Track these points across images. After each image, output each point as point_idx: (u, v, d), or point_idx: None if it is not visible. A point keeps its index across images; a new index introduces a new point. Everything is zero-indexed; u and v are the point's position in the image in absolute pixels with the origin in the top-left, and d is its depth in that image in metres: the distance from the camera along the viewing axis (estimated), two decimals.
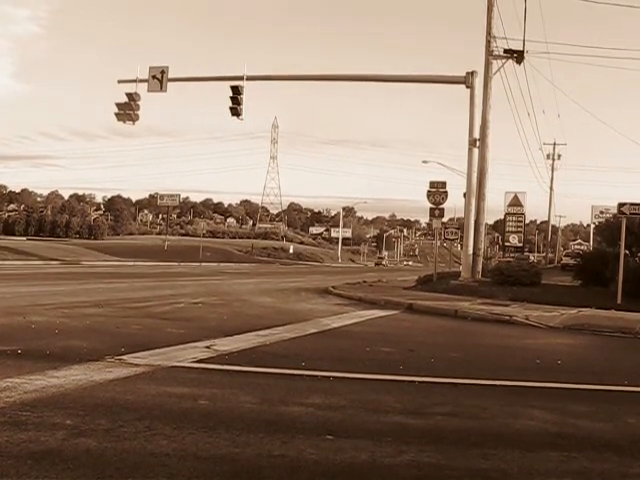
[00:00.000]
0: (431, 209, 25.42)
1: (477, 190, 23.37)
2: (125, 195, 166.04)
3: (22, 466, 3.43)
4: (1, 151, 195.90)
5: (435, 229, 27.60)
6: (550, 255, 70.96)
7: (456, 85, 23.55)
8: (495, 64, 23.26)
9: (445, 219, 31.08)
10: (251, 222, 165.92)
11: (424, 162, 44.63)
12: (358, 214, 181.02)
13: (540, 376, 6.84)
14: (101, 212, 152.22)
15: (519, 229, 47.52)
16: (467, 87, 22.85)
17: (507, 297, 16.88)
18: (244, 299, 16.00)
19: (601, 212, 55.79)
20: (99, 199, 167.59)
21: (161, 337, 8.40)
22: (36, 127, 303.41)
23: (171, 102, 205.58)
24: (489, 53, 23.09)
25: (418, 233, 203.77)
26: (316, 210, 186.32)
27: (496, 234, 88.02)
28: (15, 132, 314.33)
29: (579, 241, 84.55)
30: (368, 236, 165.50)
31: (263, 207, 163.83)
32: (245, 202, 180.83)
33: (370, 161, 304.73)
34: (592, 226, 61.40)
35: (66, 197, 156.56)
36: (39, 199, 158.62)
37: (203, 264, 50.85)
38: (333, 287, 20.96)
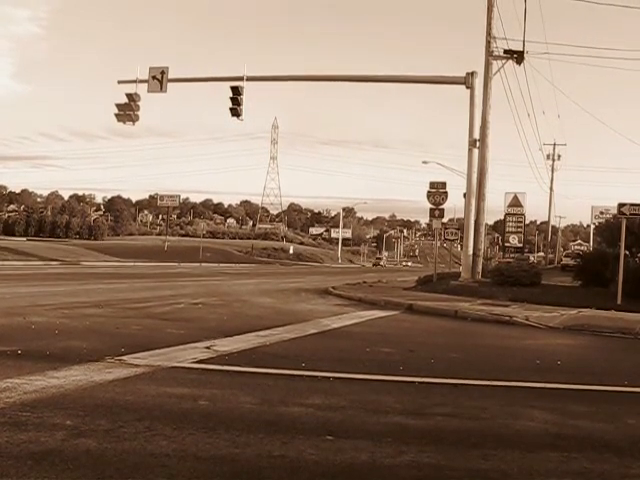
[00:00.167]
0: (431, 209, 25.42)
1: (477, 190, 23.37)
2: (125, 196, 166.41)
3: (22, 466, 3.43)
4: (1, 151, 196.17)
5: (435, 229, 27.60)
6: (550, 256, 70.95)
7: (456, 85, 23.56)
8: (495, 64, 23.27)
9: (445, 219, 31.05)
10: (251, 223, 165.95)
11: (424, 162, 44.70)
12: (358, 215, 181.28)
13: (540, 376, 6.84)
14: (101, 213, 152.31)
15: (519, 229, 47.53)
16: (467, 87, 22.85)
17: (507, 298, 16.89)
18: (244, 300, 16.00)
19: (601, 212, 55.81)
20: (99, 199, 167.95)
21: (161, 337, 8.40)
22: (36, 127, 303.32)
23: (171, 102, 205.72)
24: (489, 53, 23.10)
25: (418, 233, 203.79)
26: (316, 210, 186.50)
27: (496, 234, 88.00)
28: (15, 132, 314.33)
29: (579, 241, 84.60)
30: (368, 237, 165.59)
31: (263, 207, 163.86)
32: (245, 203, 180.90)
33: (370, 161, 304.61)
34: (592, 227, 61.43)
35: (66, 198, 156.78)
36: (39, 199, 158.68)
37: (203, 265, 50.86)
38: (333, 288, 20.96)
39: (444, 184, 25.24)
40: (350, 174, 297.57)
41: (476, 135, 22.95)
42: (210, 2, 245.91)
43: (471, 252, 23.26)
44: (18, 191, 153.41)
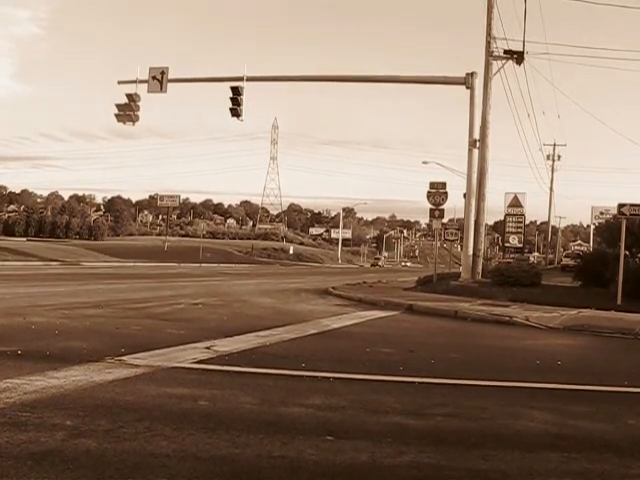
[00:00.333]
0: (431, 210, 25.42)
1: (477, 191, 23.37)
2: (125, 196, 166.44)
3: (22, 467, 3.43)
4: (1, 152, 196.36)
5: (435, 230, 27.60)
6: (550, 256, 70.91)
7: (456, 86, 23.56)
8: (495, 65, 23.26)
9: (445, 220, 31.06)
10: (251, 223, 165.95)
11: (424, 163, 44.71)
12: (358, 215, 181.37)
13: (540, 377, 6.84)
14: (101, 213, 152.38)
15: (519, 230, 47.52)
16: (467, 88, 22.85)
17: (507, 298, 16.88)
18: (244, 300, 16.00)
19: (601, 213, 55.81)
20: (99, 200, 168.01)
21: (161, 338, 8.40)
22: (36, 128, 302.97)
23: (171, 103, 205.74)
24: (489, 54, 23.10)
25: (418, 234, 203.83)
26: (316, 211, 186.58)
27: (496, 235, 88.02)
28: (15, 133, 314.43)
29: (579, 242, 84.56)
30: (368, 237, 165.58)
31: (263, 208, 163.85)
32: (245, 203, 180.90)
33: (370, 162, 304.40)
34: (592, 227, 61.44)
35: (66, 198, 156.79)
36: (39, 200, 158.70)
37: (203, 265, 50.86)
38: (333, 288, 20.96)
39: (444, 184, 25.24)
40: (350, 174, 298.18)
41: (476, 135, 22.95)
42: (210, 2, 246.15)
43: (471, 252, 23.26)
44: (18, 191, 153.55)
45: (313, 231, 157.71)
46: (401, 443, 4.18)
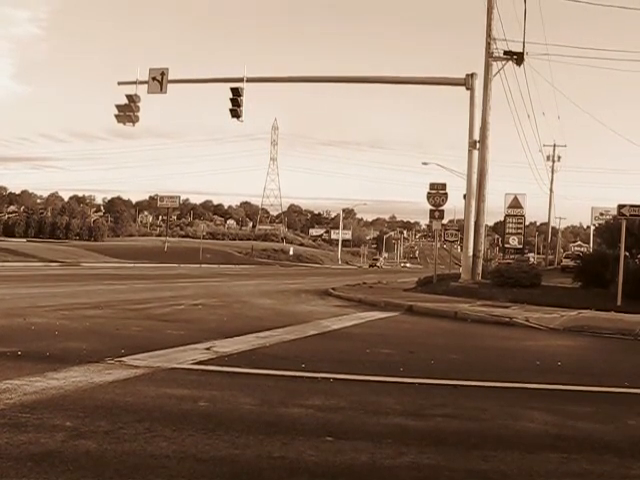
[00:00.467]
0: (431, 211, 25.43)
1: (477, 192, 23.37)
2: (125, 197, 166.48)
3: (22, 468, 3.43)
4: (1, 152, 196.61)
5: (435, 231, 27.62)
6: (550, 257, 70.92)
7: (456, 87, 23.56)
8: (495, 66, 23.26)
9: (445, 221, 31.10)
10: (251, 224, 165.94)
11: (424, 164, 44.81)
12: (358, 216, 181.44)
13: (540, 378, 6.84)
14: (101, 214, 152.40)
15: (519, 231, 47.57)
16: (467, 89, 22.84)
17: (507, 299, 16.88)
18: (244, 301, 16.00)
19: (601, 214, 55.80)
20: (99, 201, 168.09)
21: (161, 339, 8.40)
22: (36, 128, 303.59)
23: (171, 103, 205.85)
24: (489, 55, 23.10)
25: (418, 235, 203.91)
26: (316, 212, 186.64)
27: (496, 236, 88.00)
28: (15, 133, 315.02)
29: (579, 243, 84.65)
30: (368, 238, 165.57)
31: (263, 209, 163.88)
32: (245, 204, 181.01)
33: (370, 162, 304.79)
34: (592, 228, 61.43)
35: (66, 199, 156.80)
36: (39, 201, 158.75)
37: (203, 266, 50.88)
38: (333, 289, 20.97)
39: (444, 185, 25.25)
40: (350, 175, 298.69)
41: (476, 136, 22.95)
42: (210, 2, 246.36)
43: (471, 253, 23.26)
44: (18, 192, 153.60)
45: (313, 232, 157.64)
46: (401, 444, 4.18)
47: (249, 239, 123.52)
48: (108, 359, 6.60)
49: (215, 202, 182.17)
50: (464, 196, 24.59)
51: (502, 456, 4.06)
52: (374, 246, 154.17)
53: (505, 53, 23.09)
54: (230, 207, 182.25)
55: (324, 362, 7.38)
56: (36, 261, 40.95)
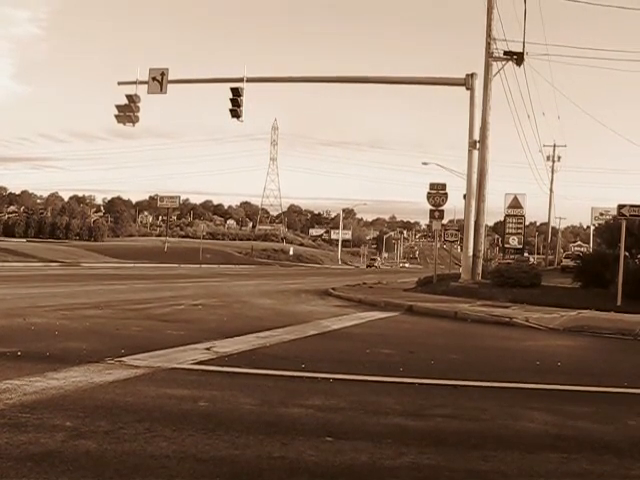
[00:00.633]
0: (431, 211, 25.44)
1: (477, 192, 23.37)
2: (125, 197, 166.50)
3: (22, 468, 3.43)
4: (1, 153, 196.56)
5: (435, 231, 27.62)
6: (550, 257, 70.91)
7: (456, 87, 23.56)
8: (495, 66, 23.26)
9: (445, 221, 31.11)
10: (251, 224, 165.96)
11: (424, 164, 44.74)
12: (358, 216, 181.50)
13: (540, 378, 6.84)
14: (101, 214, 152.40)
15: (519, 231, 47.59)
16: (467, 89, 22.84)
17: (507, 299, 16.88)
18: (244, 301, 16.00)
19: (601, 214, 55.83)
20: (99, 201, 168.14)
21: (161, 339, 8.40)
22: (36, 129, 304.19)
23: (171, 103, 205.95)
24: (489, 55, 23.10)
25: (418, 235, 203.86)
26: (316, 212, 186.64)
27: (496, 236, 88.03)
28: (15, 134, 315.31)
29: (579, 243, 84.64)
30: (368, 238, 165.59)
31: (263, 209, 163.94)
32: (245, 204, 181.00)
33: (370, 162, 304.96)
34: (592, 228, 61.44)
35: (66, 199, 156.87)
36: (39, 201, 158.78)
37: (203, 266, 50.89)
38: (333, 289, 20.97)
39: (444, 185, 25.26)
40: (350, 175, 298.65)
41: (476, 136, 22.94)
42: (210, 2, 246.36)
43: (471, 253, 23.26)
44: (18, 192, 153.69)
45: (313, 232, 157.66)
46: (401, 444, 4.18)
47: (249, 239, 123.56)
48: (108, 359, 6.60)
49: (215, 202, 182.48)
50: (464, 196, 24.59)
51: (502, 456, 4.06)
52: (374, 246, 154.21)
53: (505, 53, 23.09)
54: (230, 207, 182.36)
55: (324, 362, 7.38)
56: (36, 261, 40.95)
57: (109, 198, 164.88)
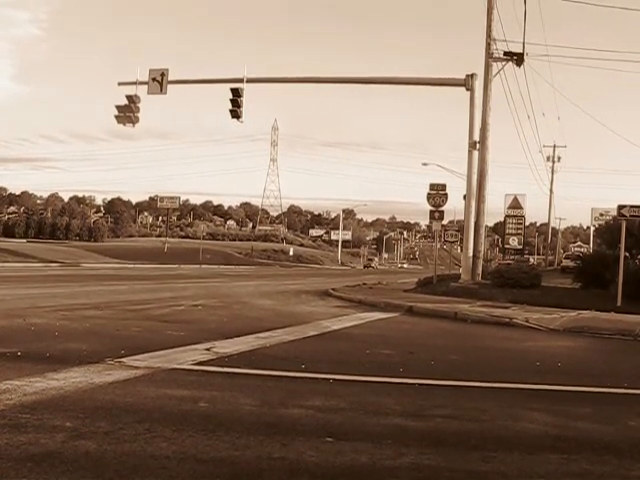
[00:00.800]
0: (431, 211, 25.45)
1: (477, 192, 23.37)
2: (125, 197, 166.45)
3: (22, 468, 3.43)
4: (1, 153, 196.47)
5: (435, 231, 27.62)
6: (550, 257, 70.89)
7: (456, 87, 23.56)
8: (495, 66, 23.26)
9: (445, 221, 31.10)
10: (251, 224, 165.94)
11: (424, 164, 44.94)
12: (358, 216, 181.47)
13: (540, 378, 6.84)
14: (101, 214, 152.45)
15: (519, 231, 47.60)
16: (467, 89, 22.84)
17: (507, 299, 16.88)
18: (244, 301, 16.00)
19: (601, 214, 55.82)
20: (99, 201, 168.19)
21: (161, 339, 8.39)
22: (36, 129, 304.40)
23: (171, 103, 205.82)
24: (489, 55, 23.10)
25: (418, 235, 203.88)
26: (316, 212, 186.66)
27: (496, 236, 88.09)
28: (15, 134, 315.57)
29: (579, 243, 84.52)
30: (368, 238, 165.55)
31: (263, 209, 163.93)
32: (245, 204, 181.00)
33: (370, 163, 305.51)
34: (592, 228, 61.45)
35: (66, 199, 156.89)
36: (39, 201, 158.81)
37: (203, 266, 50.90)
38: (333, 289, 20.97)
39: (444, 186, 25.27)
40: (350, 176, 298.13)
41: (476, 137, 22.95)
42: (210, 2, 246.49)
43: (471, 254, 23.25)
44: (18, 193, 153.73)
45: (313, 232, 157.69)
46: (401, 445, 4.18)
47: (249, 240, 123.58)
48: (108, 360, 6.60)
49: (215, 203, 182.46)
50: (464, 197, 24.60)
51: (502, 457, 4.05)
52: (374, 247, 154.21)
53: (505, 54, 23.09)
54: (230, 208, 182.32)
55: (324, 363, 7.37)
56: (36, 262, 40.95)
57: (109, 199, 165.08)
